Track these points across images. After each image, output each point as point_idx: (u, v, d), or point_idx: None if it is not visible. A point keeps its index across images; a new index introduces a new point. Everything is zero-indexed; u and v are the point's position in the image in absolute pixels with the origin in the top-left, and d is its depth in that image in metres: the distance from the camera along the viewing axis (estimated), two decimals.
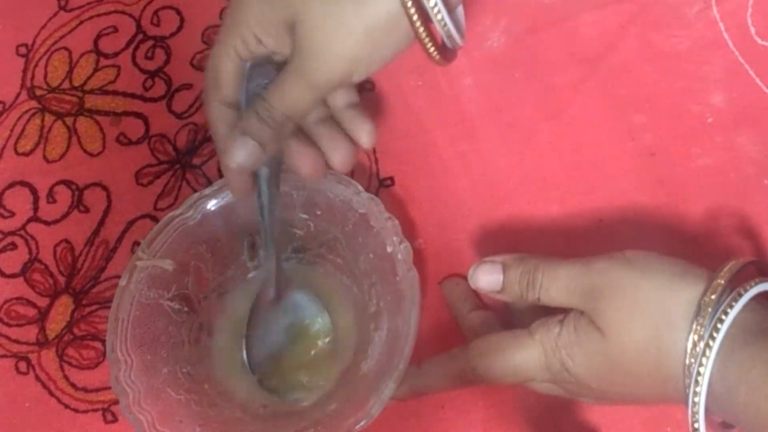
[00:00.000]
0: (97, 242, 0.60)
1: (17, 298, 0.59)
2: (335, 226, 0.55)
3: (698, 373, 0.41)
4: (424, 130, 0.60)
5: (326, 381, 0.54)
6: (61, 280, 0.59)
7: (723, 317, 0.41)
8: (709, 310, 0.42)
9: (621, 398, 0.47)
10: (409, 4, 0.44)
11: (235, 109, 0.51)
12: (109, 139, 0.62)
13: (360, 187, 0.54)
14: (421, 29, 0.45)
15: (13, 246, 0.60)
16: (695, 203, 0.56)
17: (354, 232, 0.54)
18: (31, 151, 0.63)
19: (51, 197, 0.61)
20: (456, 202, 0.58)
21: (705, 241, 0.55)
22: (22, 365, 0.57)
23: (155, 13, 0.65)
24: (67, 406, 0.56)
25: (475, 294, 0.55)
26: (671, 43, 0.60)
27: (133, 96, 0.63)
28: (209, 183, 0.57)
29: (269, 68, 0.49)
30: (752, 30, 0.59)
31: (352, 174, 0.59)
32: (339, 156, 0.51)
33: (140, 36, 0.65)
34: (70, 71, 0.64)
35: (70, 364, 0.57)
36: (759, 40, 0.59)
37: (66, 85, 0.64)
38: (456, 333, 0.54)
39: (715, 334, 0.41)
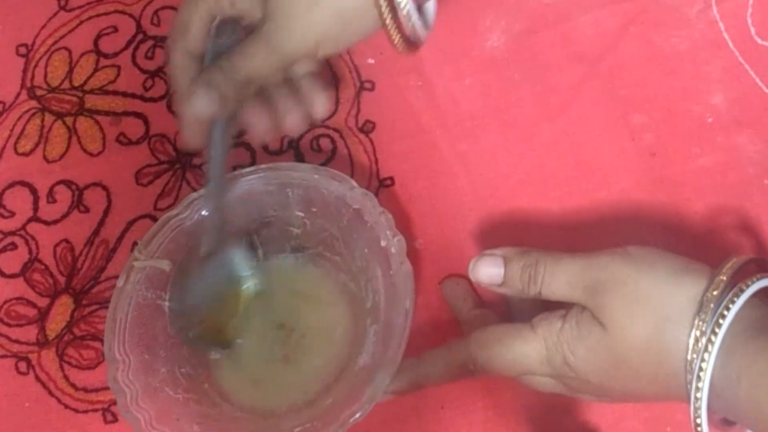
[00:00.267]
0: (97, 242, 0.60)
1: (17, 298, 0.59)
2: (331, 223, 0.55)
3: (700, 369, 0.41)
4: (424, 130, 0.60)
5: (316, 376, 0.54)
6: (61, 280, 0.59)
7: (725, 313, 0.41)
8: (711, 306, 0.42)
9: (622, 394, 0.47)
10: (383, 6, 0.47)
11: (198, 62, 0.52)
12: (109, 139, 0.62)
13: (354, 183, 0.54)
14: (389, 20, 0.48)
15: (13, 246, 0.60)
16: (695, 203, 0.56)
17: (349, 227, 0.54)
18: (31, 151, 0.63)
19: (51, 197, 0.61)
20: (456, 202, 0.58)
21: (705, 240, 0.55)
22: (22, 365, 0.57)
23: (155, 13, 0.65)
24: (67, 406, 0.56)
25: (476, 293, 0.55)
26: (671, 43, 0.60)
27: (133, 96, 0.63)
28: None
29: (236, 27, 0.51)
30: (752, 30, 0.59)
31: (352, 174, 0.59)
32: (291, 120, 0.53)
33: (140, 36, 0.65)
34: (70, 71, 0.64)
35: (70, 364, 0.57)
36: (759, 40, 0.59)
37: (66, 85, 0.64)
38: (456, 332, 0.54)
39: (717, 330, 0.41)
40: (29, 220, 0.61)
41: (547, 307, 0.48)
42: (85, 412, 0.56)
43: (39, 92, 0.64)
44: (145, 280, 0.54)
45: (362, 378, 0.50)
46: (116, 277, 0.56)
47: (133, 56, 0.64)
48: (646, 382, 0.45)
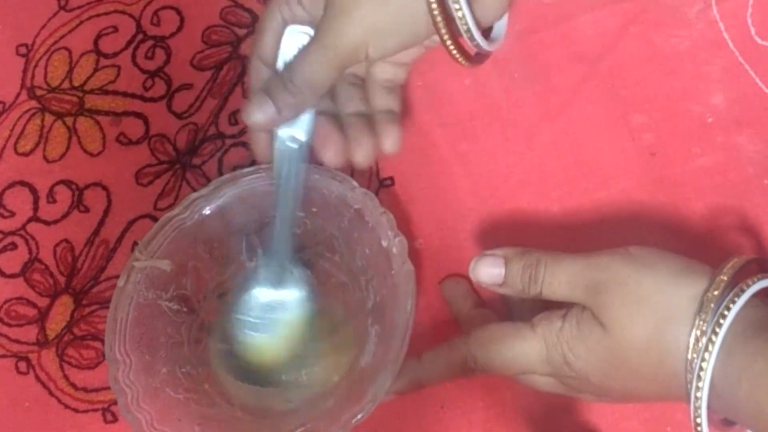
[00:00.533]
0: (97, 242, 0.60)
1: (17, 298, 0.59)
2: (331, 223, 0.55)
3: (701, 369, 0.41)
4: (424, 130, 0.60)
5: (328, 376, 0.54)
6: (61, 280, 0.59)
7: (726, 313, 0.41)
8: (712, 305, 0.42)
9: (622, 394, 0.47)
10: (436, 9, 0.47)
11: (272, 68, 0.52)
12: (109, 139, 0.62)
13: (354, 183, 0.54)
14: (443, 28, 0.48)
15: (13, 246, 0.60)
16: (695, 203, 0.56)
17: (350, 228, 0.54)
18: (31, 151, 0.63)
19: (51, 197, 0.61)
20: (456, 202, 0.58)
21: (705, 241, 0.55)
22: (22, 365, 0.57)
23: (155, 13, 0.65)
24: (67, 406, 0.56)
25: (476, 293, 0.55)
26: (671, 43, 0.60)
27: (133, 96, 0.63)
28: (209, 183, 0.57)
29: (308, 32, 0.51)
30: (752, 30, 0.59)
31: (352, 173, 0.59)
32: (361, 150, 0.53)
33: (140, 36, 0.65)
34: (70, 71, 0.64)
35: (70, 364, 0.57)
36: (759, 40, 0.59)
37: (66, 85, 0.64)
38: (456, 332, 0.54)
39: (717, 330, 0.41)
40: (29, 220, 0.61)
41: (547, 306, 0.48)
42: (85, 412, 0.56)
43: (39, 92, 0.64)
44: (145, 280, 0.54)
45: (364, 378, 0.50)
46: (116, 277, 0.56)
47: (133, 56, 0.64)
48: (646, 382, 0.45)
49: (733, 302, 0.42)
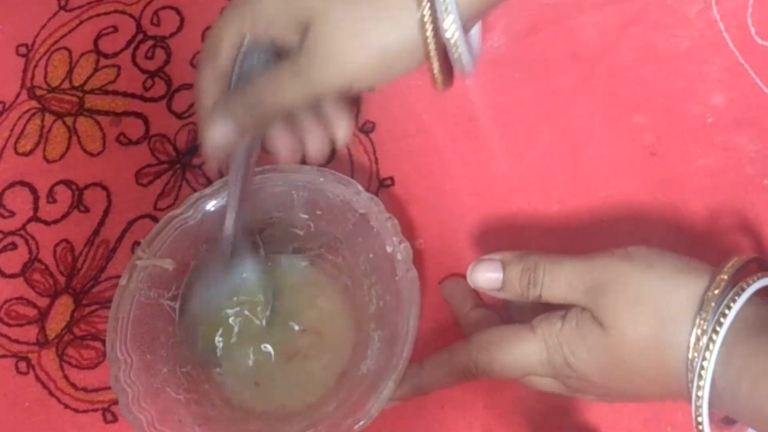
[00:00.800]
0: (97, 242, 0.60)
1: (17, 298, 0.59)
2: (335, 227, 0.55)
3: (701, 368, 0.41)
4: (424, 130, 0.60)
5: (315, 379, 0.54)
6: (61, 280, 0.59)
7: (726, 312, 0.41)
8: (712, 304, 0.42)
9: (623, 394, 0.47)
10: (430, 37, 0.44)
11: (225, 83, 0.50)
12: (109, 139, 0.62)
13: (360, 187, 0.54)
14: (435, 63, 0.46)
15: (13, 246, 0.60)
16: (695, 203, 0.56)
17: (354, 232, 0.54)
18: (31, 151, 0.63)
19: (51, 197, 0.61)
20: (456, 202, 0.58)
21: (705, 241, 0.55)
22: (22, 365, 0.57)
23: (155, 13, 0.65)
24: (67, 406, 0.56)
25: (476, 293, 0.55)
26: (671, 43, 0.60)
27: (133, 96, 0.63)
28: (209, 183, 0.57)
29: (267, 50, 0.49)
30: (752, 30, 0.59)
31: (351, 174, 0.59)
32: (314, 146, 0.51)
33: (140, 36, 0.65)
34: (70, 71, 0.64)
35: (70, 364, 0.57)
36: (759, 40, 0.59)
37: (66, 85, 0.64)
38: (456, 333, 0.54)
39: (718, 329, 0.41)
40: (29, 220, 0.61)
41: (546, 307, 0.48)
42: (85, 412, 0.56)
43: (39, 92, 0.64)
44: (147, 279, 0.54)
45: (366, 384, 0.50)
46: (116, 277, 0.56)
47: (133, 56, 0.64)
48: (646, 382, 0.45)
49: (734, 301, 0.41)
